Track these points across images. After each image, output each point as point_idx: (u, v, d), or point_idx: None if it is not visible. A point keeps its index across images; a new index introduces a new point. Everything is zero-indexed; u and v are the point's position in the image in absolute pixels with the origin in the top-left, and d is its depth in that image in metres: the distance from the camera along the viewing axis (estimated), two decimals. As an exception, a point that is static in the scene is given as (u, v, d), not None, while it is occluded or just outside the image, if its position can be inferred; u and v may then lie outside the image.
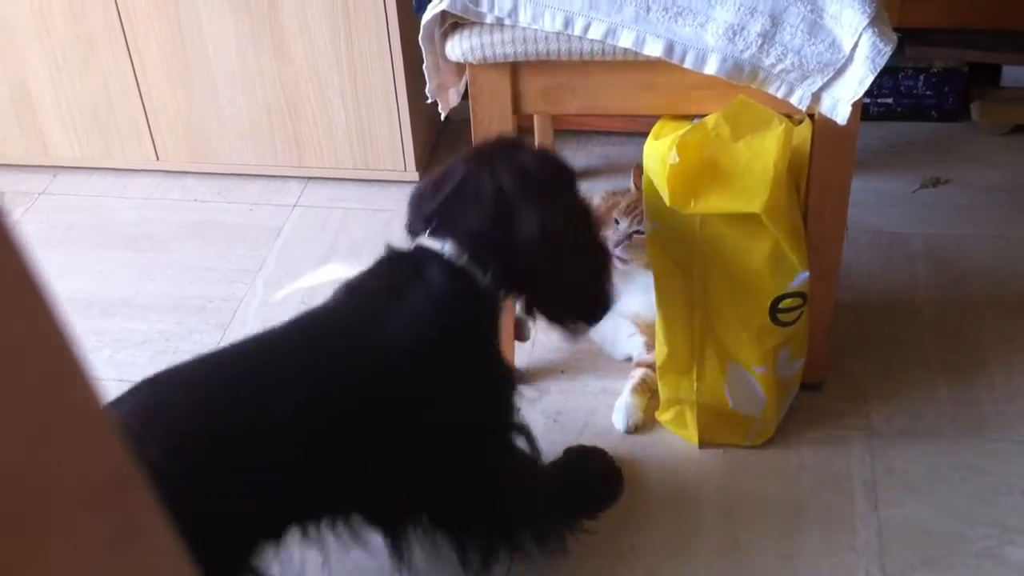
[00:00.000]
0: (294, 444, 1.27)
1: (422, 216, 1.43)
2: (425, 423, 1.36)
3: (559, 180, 1.46)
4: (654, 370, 1.79)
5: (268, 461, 1.25)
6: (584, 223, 1.47)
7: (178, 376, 1.28)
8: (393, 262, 1.42)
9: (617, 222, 1.79)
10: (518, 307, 1.82)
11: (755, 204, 1.46)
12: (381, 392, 1.32)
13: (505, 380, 1.46)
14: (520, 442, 1.49)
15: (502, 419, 1.46)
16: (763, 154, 1.47)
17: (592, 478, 1.66)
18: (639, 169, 1.76)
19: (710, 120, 1.50)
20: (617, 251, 1.77)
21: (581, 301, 1.48)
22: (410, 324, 1.33)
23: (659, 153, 1.52)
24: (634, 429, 1.76)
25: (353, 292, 1.40)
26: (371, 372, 1.32)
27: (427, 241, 1.39)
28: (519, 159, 1.41)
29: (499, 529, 1.48)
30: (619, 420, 1.77)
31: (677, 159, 1.46)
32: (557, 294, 1.46)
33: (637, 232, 1.75)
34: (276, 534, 1.32)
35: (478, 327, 1.42)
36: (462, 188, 1.40)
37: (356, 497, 1.37)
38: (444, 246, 1.37)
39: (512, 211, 1.37)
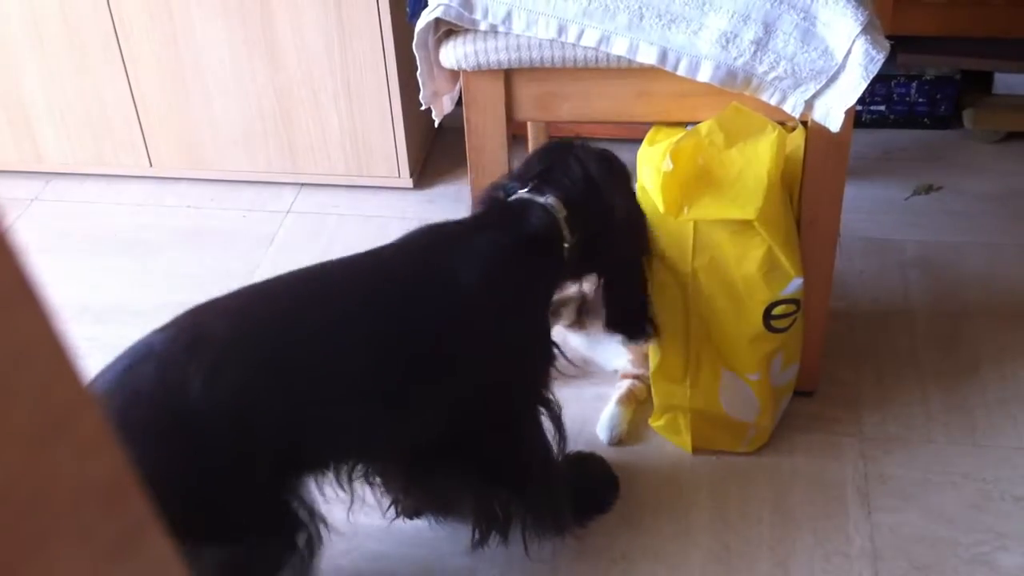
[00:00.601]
0: (335, 373, 1.28)
1: (519, 180, 1.49)
2: (476, 362, 1.38)
3: (628, 179, 1.57)
4: (641, 380, 1.80)
5: (308, 388, 1.26)
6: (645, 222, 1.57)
7: (222, 304, 1.30)
8: (491, 206, 1.48)
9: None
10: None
11: (748, 211, 1.47)
12: (442, 324, 1.34)
13: (550, 347, 1.49)
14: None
15: (541, 382, 1.48)
16: (756, 161, 1.48)
17: (588, 485, 1.66)
18: None
19: (703, 127, 1.50)
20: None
21: (636, 294, 1.58)
22: (493, 254, 1.39)
23: (653, 160, 1.52)
24: (617, 441, 1.76)
25: (434, 229, 1.44)
26: (437, 301, 1.35)
27: (527, 194, 1.45)
28: (596, 154, 1.51)
29: (522, 489, 1.50)
30: (603, 431, 1.77)
31: (671, 166, 1.46)
32: (623, 280, 1.56)
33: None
34: (319, 464, 1.34)
35: (549, 282, 1.49)
36: (552, 169, 1.48)
37: (395, 437, 1.38)
38: (547, 198, 1.43)
39: (599, 194, 1.47)
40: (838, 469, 1.69)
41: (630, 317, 1.59)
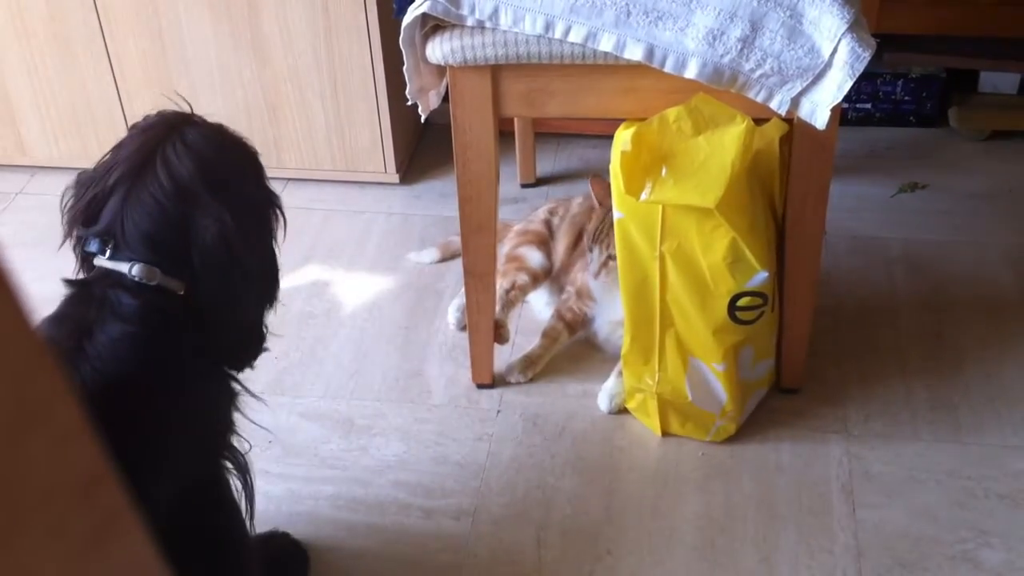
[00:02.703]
0: None
1: (90, 221, 1.26)
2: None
3: (240, 167, 1.32)
4: None
5: None
6: (266, 227, 1.32)
7: None
8: (75, 298, 1.24)
9: (591, 250, 1.80)
10: (498, 310, 1.83)
11: (708, 199, 1.47)
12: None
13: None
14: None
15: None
16: (722, 151, 1.48)
17: (278, 559, 1.54)
18: (598, 183, 1.78)
19: (671, 113, 1.50)
20: (599, 279, 1.80)
21: (253, 332, 1.33)
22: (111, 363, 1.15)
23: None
24: (617, 411, 1.80)
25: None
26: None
27: (108, 263, 1.21)
28: (192, 142, 1.25)
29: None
30: (603, 402, 1.80)
31: (629, 147, 1.47)
32: (235, 319, 1.29)
33: (611, 257, 1.76)
34: None
35: (182, 355, 1.24)
36: (134, 186, 1.21)
37: None
38: (132, 267, 1.19)
39: (192, 212, 1.20)
40: (823, 466, 1.70)
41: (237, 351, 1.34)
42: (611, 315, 1.83)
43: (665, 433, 1.75)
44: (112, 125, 2.36)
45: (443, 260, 2.16)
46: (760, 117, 1.53)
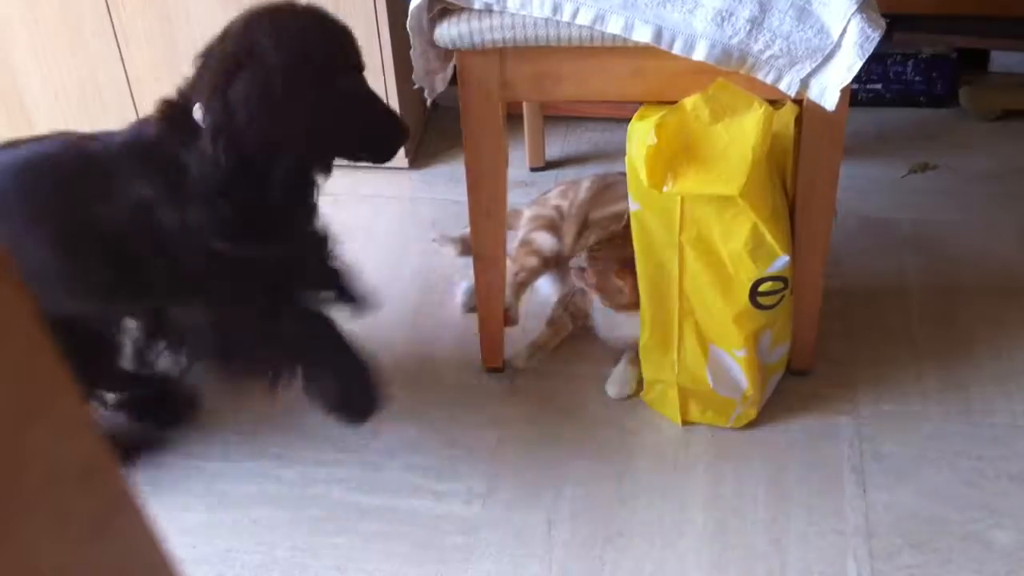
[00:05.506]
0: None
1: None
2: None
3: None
4: None
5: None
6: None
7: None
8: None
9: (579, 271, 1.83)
10: (508, 294, 1.83)
11: (731, 187, 1.47)
12: None
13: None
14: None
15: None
16: (742, 137, 1.47)
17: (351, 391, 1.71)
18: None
19: (689, 103, 1.50)
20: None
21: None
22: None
23: (641, 135, 1.52)
24: (625, 397, 1.80)
25: None
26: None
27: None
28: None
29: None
30: (612, 388, 1.81)
31: (654, 140, 1.47)
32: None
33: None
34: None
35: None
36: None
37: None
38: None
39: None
40: (833, 447, 1.70)
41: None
42: (607, 331, 1.86)
43: (685, 422, 1.74)
44: (121, 109, 2.36)
45: (463, 255, 2.12)
46: (772, 99, 1.52)
